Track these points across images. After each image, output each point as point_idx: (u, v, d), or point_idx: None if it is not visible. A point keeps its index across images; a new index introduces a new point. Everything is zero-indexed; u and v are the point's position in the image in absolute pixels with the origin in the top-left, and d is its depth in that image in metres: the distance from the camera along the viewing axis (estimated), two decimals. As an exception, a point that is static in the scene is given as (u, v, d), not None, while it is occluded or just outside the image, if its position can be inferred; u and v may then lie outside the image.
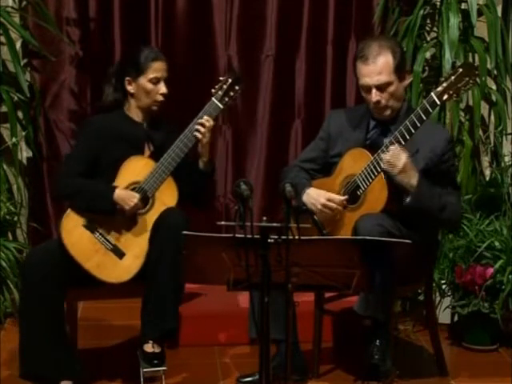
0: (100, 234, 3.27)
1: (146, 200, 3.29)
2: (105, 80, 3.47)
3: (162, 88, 3.35)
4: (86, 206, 3.26)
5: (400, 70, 3.27)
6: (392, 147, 3.13)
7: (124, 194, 3.24)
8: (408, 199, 3.16)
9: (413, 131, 3.14)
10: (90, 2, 4.36)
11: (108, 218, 3.27)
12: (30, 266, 3.24)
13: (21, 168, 4.23)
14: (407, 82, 3.37)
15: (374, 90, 3.24)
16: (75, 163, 3.34)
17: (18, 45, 4.20)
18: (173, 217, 3.21)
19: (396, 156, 3.12)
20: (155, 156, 3.35)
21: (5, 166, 4.16)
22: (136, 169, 3.32)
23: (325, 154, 3.46)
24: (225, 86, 3.39)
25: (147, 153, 3.39)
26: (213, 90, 3.39)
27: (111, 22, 4.38)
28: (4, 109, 4.17)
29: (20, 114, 4.21)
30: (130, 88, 3.35)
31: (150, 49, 3.45)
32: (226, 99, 3.39)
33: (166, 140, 3.37)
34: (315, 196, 3.32)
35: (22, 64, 4.17)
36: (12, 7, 4.19)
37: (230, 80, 3.39)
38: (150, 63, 3.33)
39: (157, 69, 3.34)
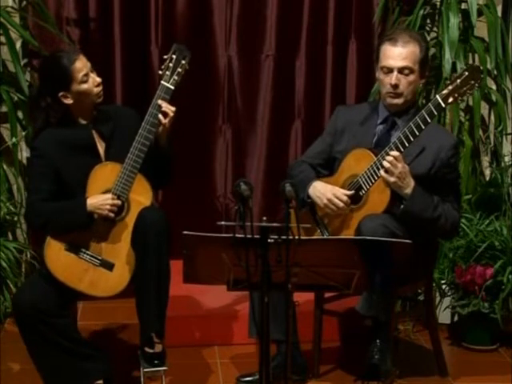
0: (84, 252, 3.19)
1: (121, 204, 3.20)
2: (31, 107, 3.34)
3: (95, 79, 3.24)
4: (62, 227, 3.19)
5: (423, 65, 3.30)
6: (391, 154, 3.13)
7: (96, 201, 3.16)
8: (401, 207, 3.18)
9: (417, 133, 3.15)
10: (90, 2, 4.35)
11: (88, 233, 3.19)
12: (21, 308, 3.13)
13: (21, 168, 4.22)
14: (424, 80, 3.39)
15: (395, 73, 3.25)
16: (38, 190, 3.23)
17: (18, 45, 4.19)
18: (150, 215, 3.14)
19: (394, 164, 3.12)
20: (109, 149, 3.26)
21: (5, 166, 4.15)
22: (103, 177, 3.21)
23: (330, 148, 3.46)
24: (171, 64, 3.23)
25: (101, 150, 3.28)
26: (160, 72, 3.25)
27: (111, 22, 4.37)
28: (4, 109, 4.17)
29: (20, 114, 4.20)
30: (68, 100, 3.22)
31: (60, 55, 3.25)
32: (176, 78, 3.23)
33: (115, 128, 3.27)
34: (322, 190, 3.32)
35: (22, 64, 4.17)
36: (12, 7, 4.18)
37: (174, 56, 3.24)
38: (71, 68, 3.19)
39: (80, 68, 3.20)
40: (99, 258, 3.20)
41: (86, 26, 4.36)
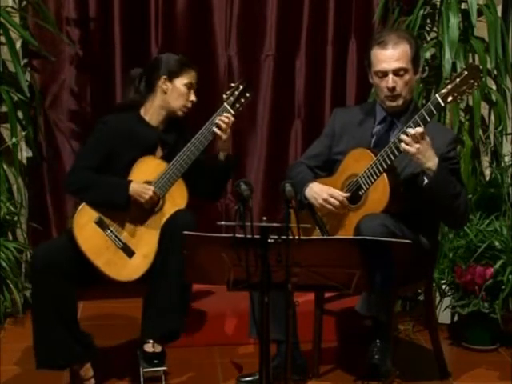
0: (111, 231, 3.29)
1: (157, 201, 3.33)
2: (127, 82, 3.52)
3: (193, 96, 3.43)
4: (100, 199, 3.28)
5: (415, 61, 3.30)
6: (413, 129, 3.11)
7: (139, 188, 3.28)
8: (425, 182, 3.16)
9: (416, 132, 3.14)
10: (89, 2, 4.35)
11: (120, 215, 3.29)
12: (38, 258, 3.22)
13: (21, 168, 4.23)
14: (418, 76, 3.39)
15: (390, 76, 3.25)
16: (88, 158, 3.36)
17: (18, 45, 4.19)
18: (183, 218, 3.24)
19: (416, 136, 3.10)
20: (167, 157, 3.39)
21: (5, 166, 4.15)
22: (148, 169, 3.35)
23: (328, 150, 3.46)
24: (236, 92, 3.43)
25: (159, 154, 3.42)
26: (224, 96, 3.44)
27: (111, 22, 4.37)
28: (4, 109, 4.17)
29: (20, 114, 4.21)
30: (165, 87, 3.39)
31: (191, 62, 3.49)
32: (237, 105, 3.44)
33: (178, 141, 3.41)
34: (318, 191, 3.32)
35: (22, 64, 4.17)
36: (12, 7, 4.19)
37: (241, 86, 3.44)
38: (186, 69, 3.41)
39: (193, 76, 3.42)
40: (123, 241, 3.28)
41: (86, 26, 4.37)
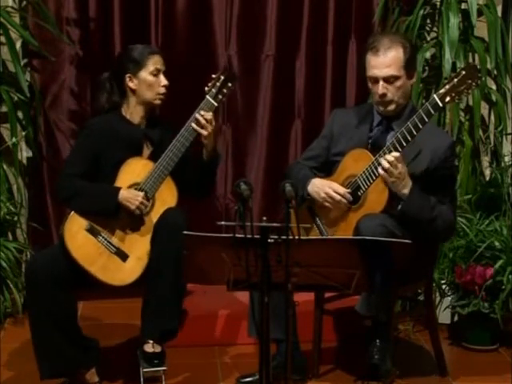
0: (103, 237, 3.27)
1: (147, 200, 3.31)
2: (98, 87, 3.47)
3: (163, 80, 3.38)
4: (89, 207, 3.26)
5: (409, 66, 3.28)
6: (391, 155, 3.12)
7: (128, 194, 3.26)
8: (399, 207, 3.18)
9: (414, 133, 3.14)
10: (90, 2, 4.35)
11: (110, 220, 3.27)
12: (33, 271, 3.19)
13: (21, 168, 4.22)
14: (414, 80, 3.38)
15: (381, 82, 3.24)
16: (76, 165, 3.33)
17: (18, 45, 4.19)
18: (173, 217, 3.23)
19: (394, 164, 3.11)
20: (155, 155, 3.37)
21: (5, 166, 4.15)
22: (135, 170, 3.33)
23: (326, 152, 3.46)
24: (218, 84, 3.39)
25: (146, 153, 3.40)
26: (206, 88, 3.39)
27: (111, 22, 4.37)
28: (4, 109, 4.17)
29: (20, 114, 4.21)
30: (132, 84, 3.35)
31: (144, 45, 3.46)
32: (220, 96, 3.39)
33: (164, 138, 3.39)
34: (319, 185, 3.33)
35: (22, 64, 4.17)
36: (12, 7, 4.19)
37: (222, 77, 3.39)
38: (148, 56, 3.36)
39: (156, 61, 3.36)
40: (116, 246, 3.27)
41: (86, 26, 4.37)
